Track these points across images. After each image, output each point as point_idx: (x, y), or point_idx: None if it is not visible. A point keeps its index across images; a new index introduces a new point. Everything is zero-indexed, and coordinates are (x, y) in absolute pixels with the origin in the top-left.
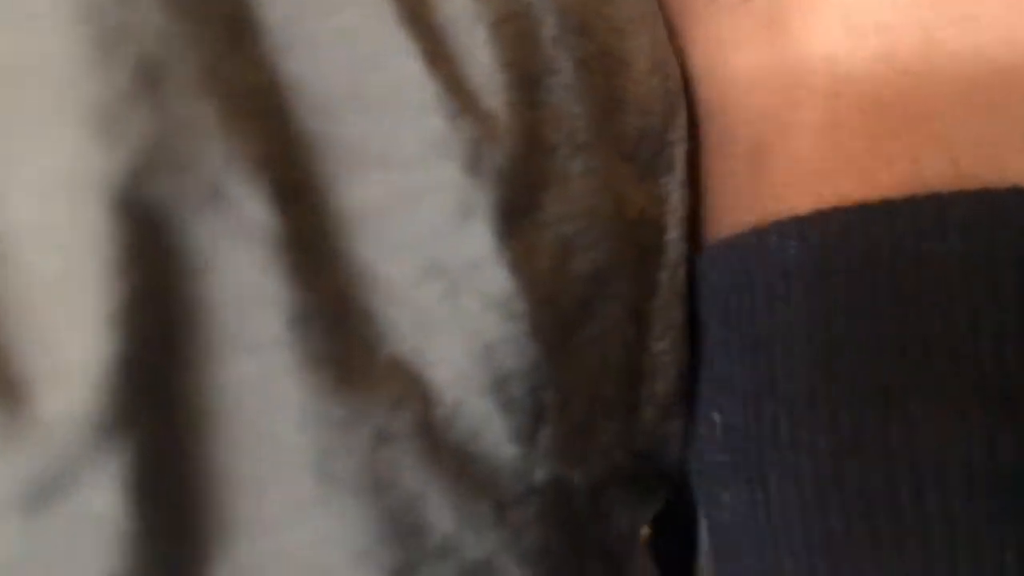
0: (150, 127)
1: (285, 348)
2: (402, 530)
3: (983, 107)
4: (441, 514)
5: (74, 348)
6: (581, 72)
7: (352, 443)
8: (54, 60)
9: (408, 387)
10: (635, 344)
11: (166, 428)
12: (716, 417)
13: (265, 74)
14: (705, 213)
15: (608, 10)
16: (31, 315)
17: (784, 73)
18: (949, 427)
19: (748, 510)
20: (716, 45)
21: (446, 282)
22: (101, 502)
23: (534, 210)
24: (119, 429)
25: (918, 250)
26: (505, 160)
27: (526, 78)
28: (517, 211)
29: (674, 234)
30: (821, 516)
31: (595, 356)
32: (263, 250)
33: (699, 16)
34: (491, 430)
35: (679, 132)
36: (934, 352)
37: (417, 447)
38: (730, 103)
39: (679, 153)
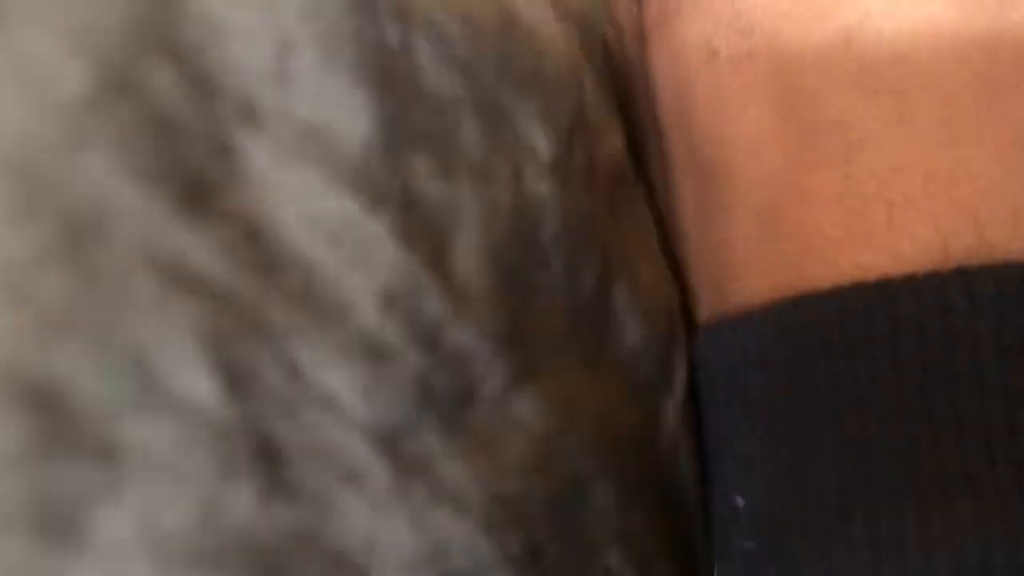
0: (63, 294)
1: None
2: None
3: (1006, 171)
4: None
5: None
6: (576, 273)
7: None
8: None
9: None
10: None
11: None
12: (739, 501)
13: (240, 234)
14: (711, 277)
15: (614, 220)
16: None
17: (795, 135)
18: (992, 522)
19: None
20: (719, 103)
21: (399, 466)
22: None
23: (501, 400)
24: None
25: (947, 329)
26: (469, 340)
27: (513, 266)
28: (478, 398)
29: (673, 458)
30: None
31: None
32: (193, 431)
33: (698, 73)
34: None
35: (680, 355)
36: (969, 439)
37: None
38: (737, 164)
39: (680, 375)
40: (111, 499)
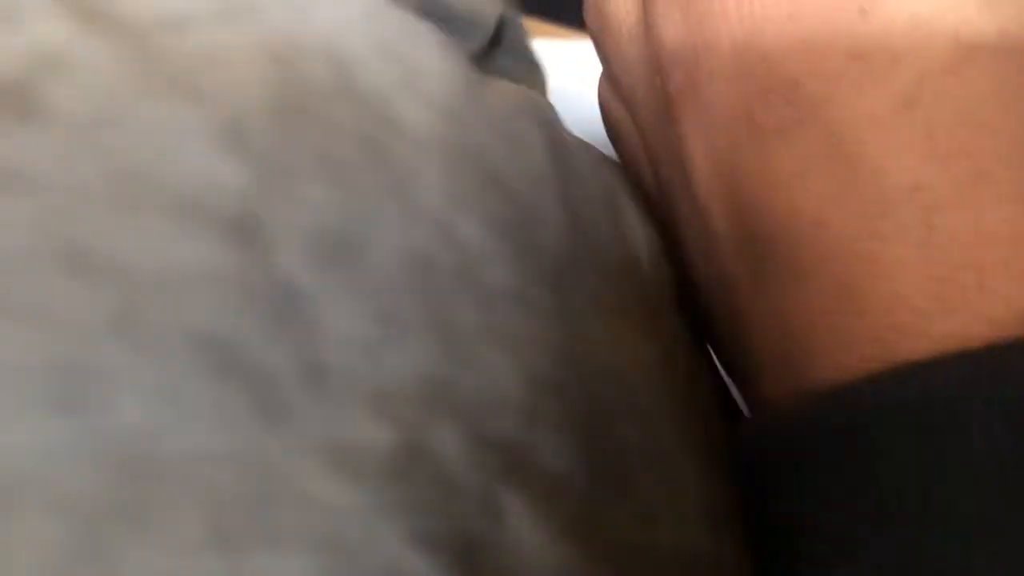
0: None
1: None
2: None
3: None
4: None
5: None
6: None
7: None
8: None
9: None
10: None
11: None
12: None
13: None
14: (781, 353)
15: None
16: None
17: (864, 206)
18: None
19: None
20: (772, 176)
21: None
22: None
23: None
24: None
25: None
26: None
27: None
28: None
29: None
30: None
31: None
32: None
33: (742, 145)
34: None
35: None
36: None
37: None
38: (803, 237)
39: None
40: None
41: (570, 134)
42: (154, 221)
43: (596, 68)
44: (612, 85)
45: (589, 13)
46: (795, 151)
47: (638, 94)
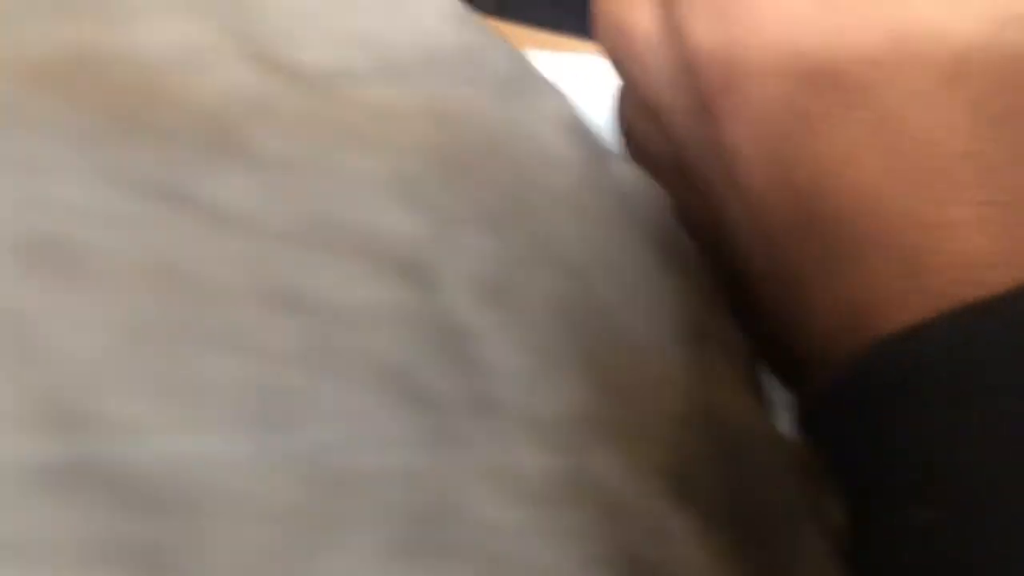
0: None
1: None
2: None
3: None
4: None
5: None
6: None
7: None
8: None
9: None
10: None
11: None
12: (919, 518)
13: None
14: (846, 321)
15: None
16: None
17: (920, 175)
18: None
19: None
20: (825, 160)
21: None
22: None
23: None
24: None
25: None
26: None
27: None
28: None
29: None
30: None
31: None
32: None
33: (790, 136)
34: None
35: None
36: None
37: None
38: (863, 213)
39: None
40: None
41: (679, 226)
42: (343, 262)
43: (598, 78)
44: (634, 103)
45: (603, 30)
46: (846, 137)
47: (665, 100)
